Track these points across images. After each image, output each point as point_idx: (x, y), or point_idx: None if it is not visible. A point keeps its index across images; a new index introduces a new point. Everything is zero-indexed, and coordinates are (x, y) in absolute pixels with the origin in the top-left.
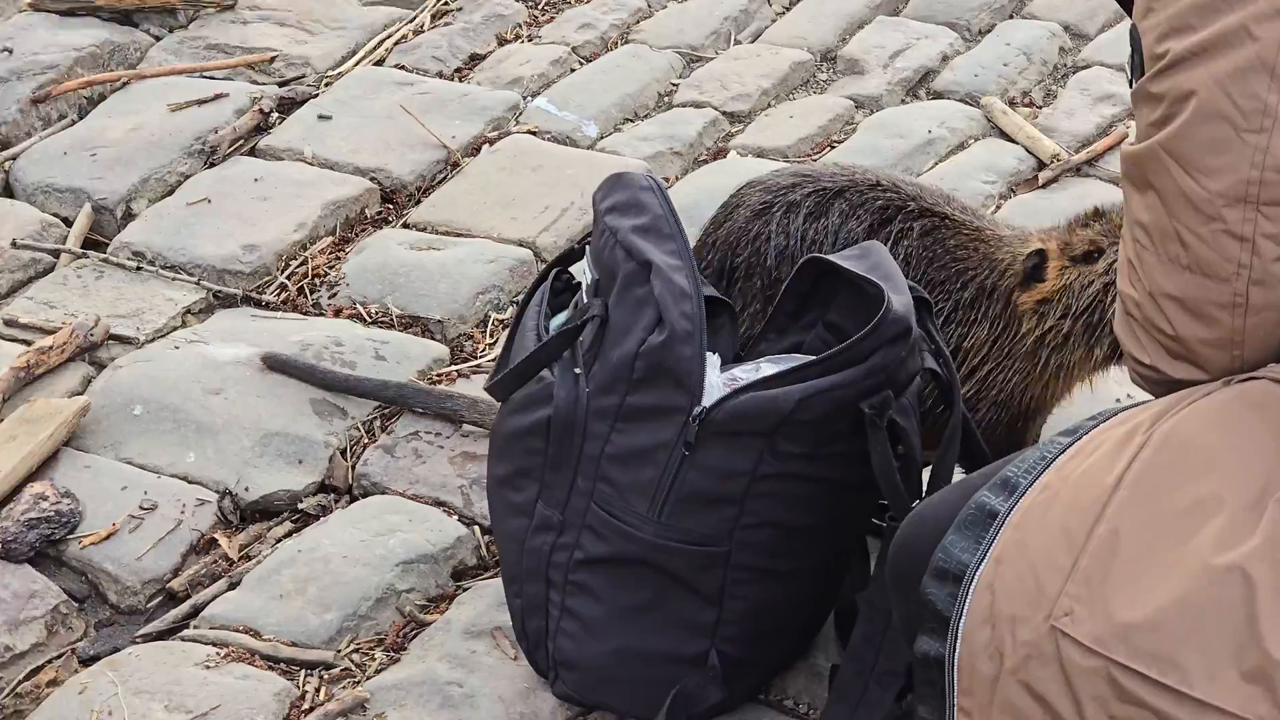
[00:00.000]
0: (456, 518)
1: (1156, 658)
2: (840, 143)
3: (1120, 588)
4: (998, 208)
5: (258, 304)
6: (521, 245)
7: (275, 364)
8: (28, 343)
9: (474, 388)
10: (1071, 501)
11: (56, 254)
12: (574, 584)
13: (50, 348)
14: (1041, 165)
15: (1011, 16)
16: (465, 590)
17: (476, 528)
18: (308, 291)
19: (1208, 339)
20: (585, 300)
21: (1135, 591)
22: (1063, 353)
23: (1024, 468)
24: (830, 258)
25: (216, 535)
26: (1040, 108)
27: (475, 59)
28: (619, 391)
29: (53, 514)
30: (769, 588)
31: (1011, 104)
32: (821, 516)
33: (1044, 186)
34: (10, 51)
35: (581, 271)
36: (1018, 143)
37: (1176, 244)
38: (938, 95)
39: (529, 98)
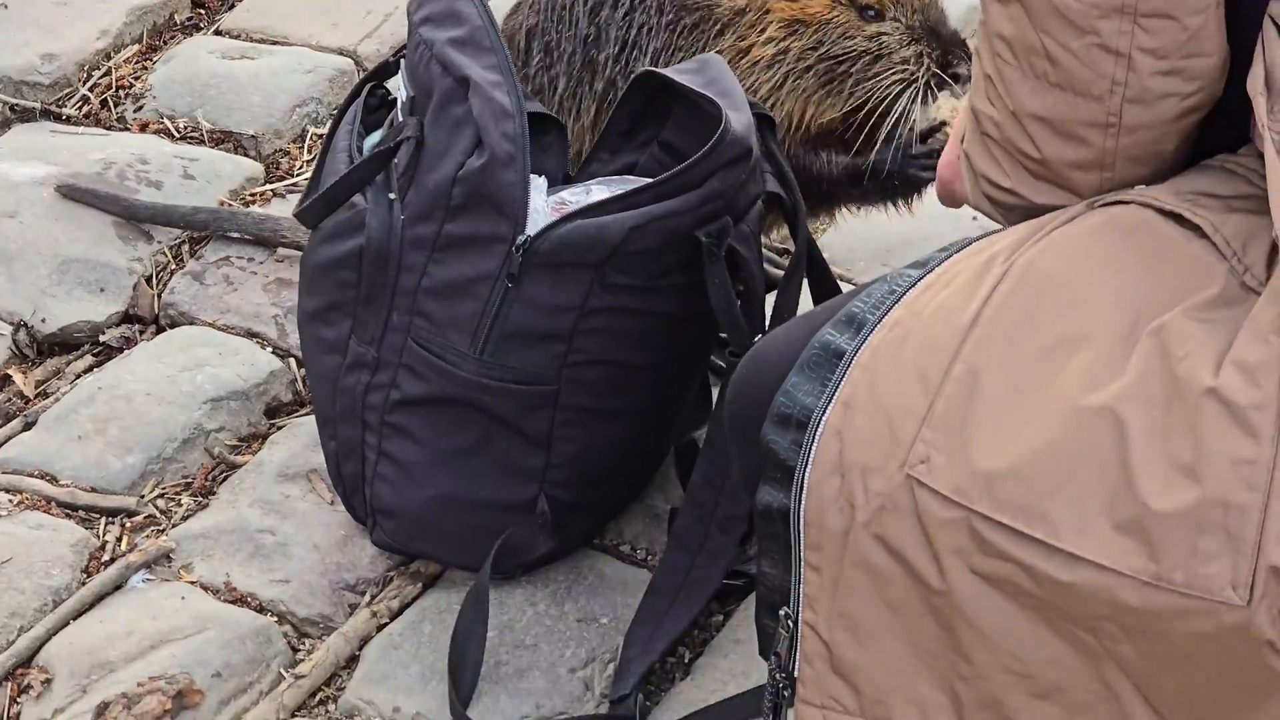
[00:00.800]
0: (271, 350)
1: (1022, 509)
2: None
3: (981, 433)
4: None
5: (57, 118)
6: (342, 54)
7: (73, 194)
8: None
9: (287, 209)
10: (925, 339)
11: None
12: (391, 425)
13: None
14: None
15: None
16: (280, 429)
17: (292, 360)
18: (111, 105)
19: (1077, 160)
20: (400, 119)
21: (997, 437)
22: (799, 81)
23: (871, 302)
24: (665, 72)
25: (10, 371)
26: None
27: None
28: (436, 219)
29: None
30: (601, 429)
31: None
32: (656, 353)
33: None
34: None
35: (397, 87)
36: None
37: (1044, 59)
38: None
39: None
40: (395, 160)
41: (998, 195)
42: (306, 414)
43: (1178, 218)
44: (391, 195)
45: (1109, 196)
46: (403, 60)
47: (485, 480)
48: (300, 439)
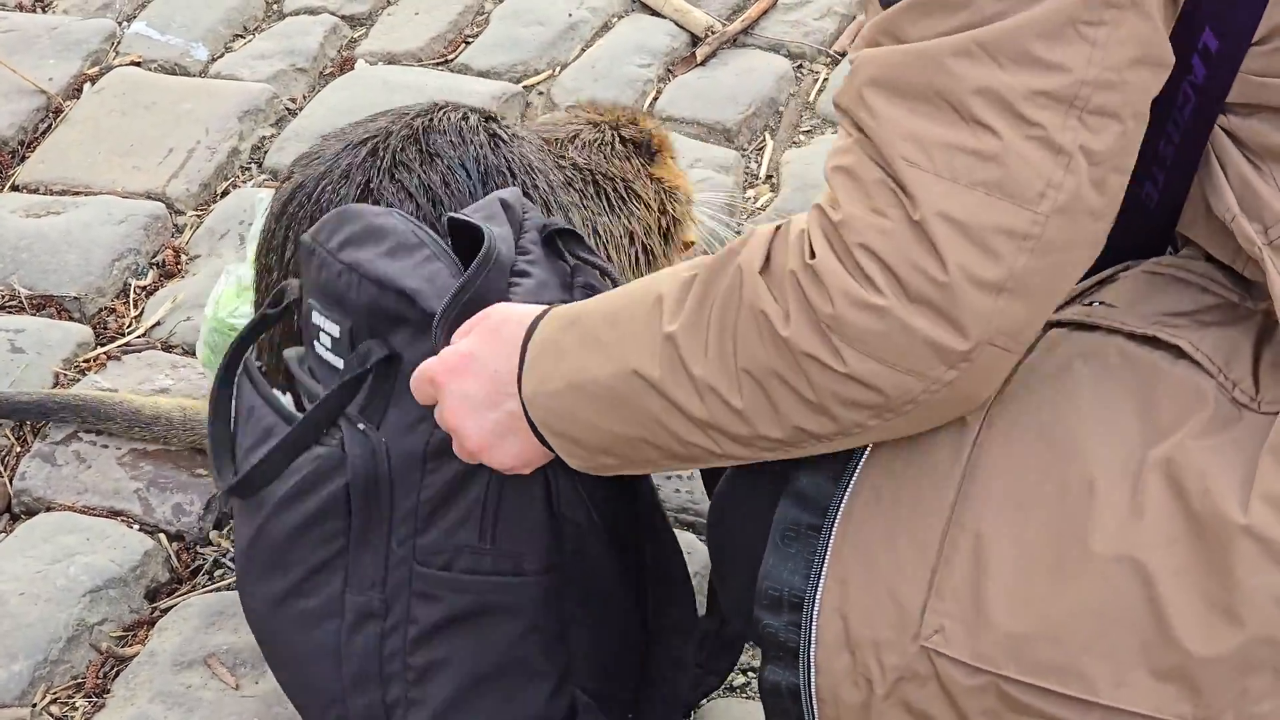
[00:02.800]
0: (138, 527)
1: (1053, 669)
2: (474, 38)
3: (995, 596)
4: (658, 93)
5: None
6: (151, 198)
7: None
8: None
9: (126, 371)
10: (911, 502)
11: None
12: (416, 669)
13: None
14: (696, 40)
15: None
16: (164, 612)
17: (162, 536)
18: None
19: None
20: (336, 353)
21: (1014, 599)
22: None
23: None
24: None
25: None
26: None
27: None
28: (423, 430)
29: None
30: (600, 610)
31: None
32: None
33: (703, 64)
34: None
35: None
36: (665, 17)
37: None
38: None
39: (124, 24)
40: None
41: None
42: (187, 592)
43: (1152, 340)
44: (361, 426)
45: (1068, 315)
46: (311, 302)
47: (523, 695)
48: (190, 621)
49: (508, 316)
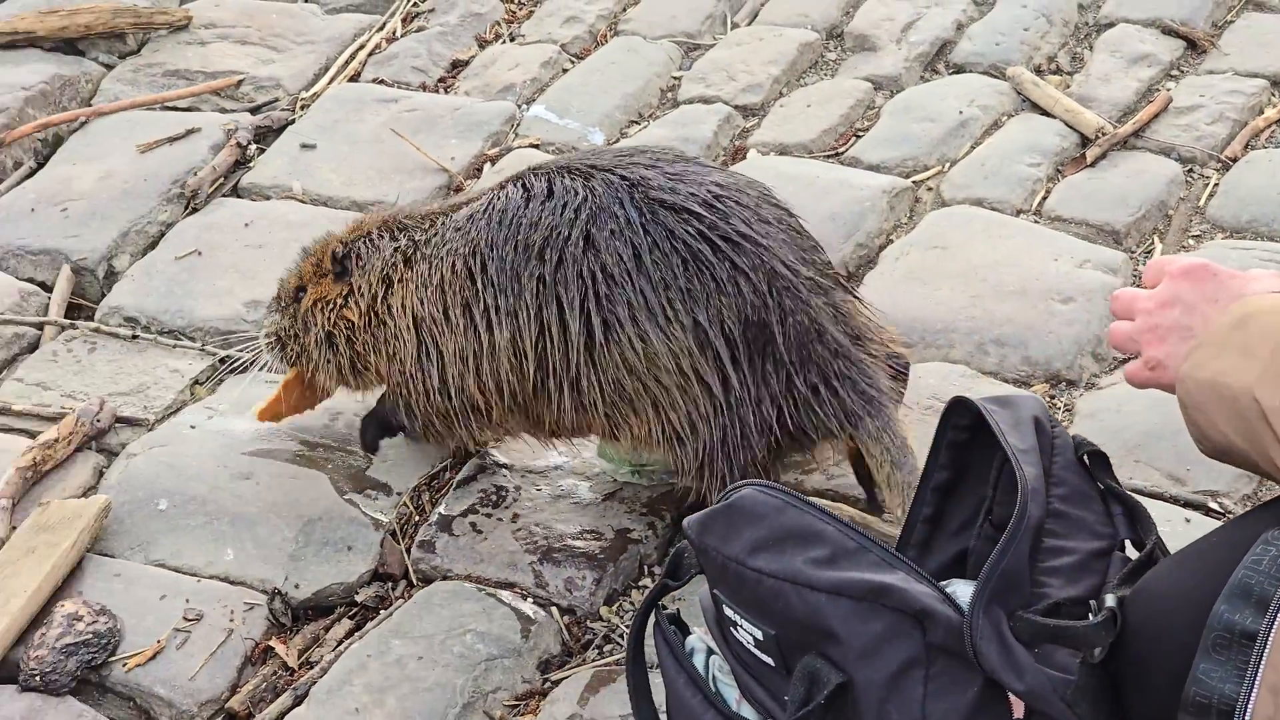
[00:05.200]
0: (531, 600)
1: None
2: (865, 131)
3: None
4: (1046, 193)
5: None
6: None
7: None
8: (27, 433)
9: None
10: None
11: (40, 326)
12: None
13: (56, 440)
14: (1086, 141)
15: None
16: (555, 684)
17: (554, 608)
18: None
19: None
20: (763, 652)
21: None
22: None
23: (1266, 570)
24: (984, 408)
25: (272, 642)
26: (1070, 74)
27: (458, 65)
28: None
29: (90, 636)
30: None
31: (1039, 72)
32: None
33: (1093, 165)
34: None
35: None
36: (1055, 116)
37: None
38: (958, 69)
39: (524, 106)
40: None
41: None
42: (578, 665)
43: None
44: None
45: None
46: (724, 603)
47: None
48: (580, 693)
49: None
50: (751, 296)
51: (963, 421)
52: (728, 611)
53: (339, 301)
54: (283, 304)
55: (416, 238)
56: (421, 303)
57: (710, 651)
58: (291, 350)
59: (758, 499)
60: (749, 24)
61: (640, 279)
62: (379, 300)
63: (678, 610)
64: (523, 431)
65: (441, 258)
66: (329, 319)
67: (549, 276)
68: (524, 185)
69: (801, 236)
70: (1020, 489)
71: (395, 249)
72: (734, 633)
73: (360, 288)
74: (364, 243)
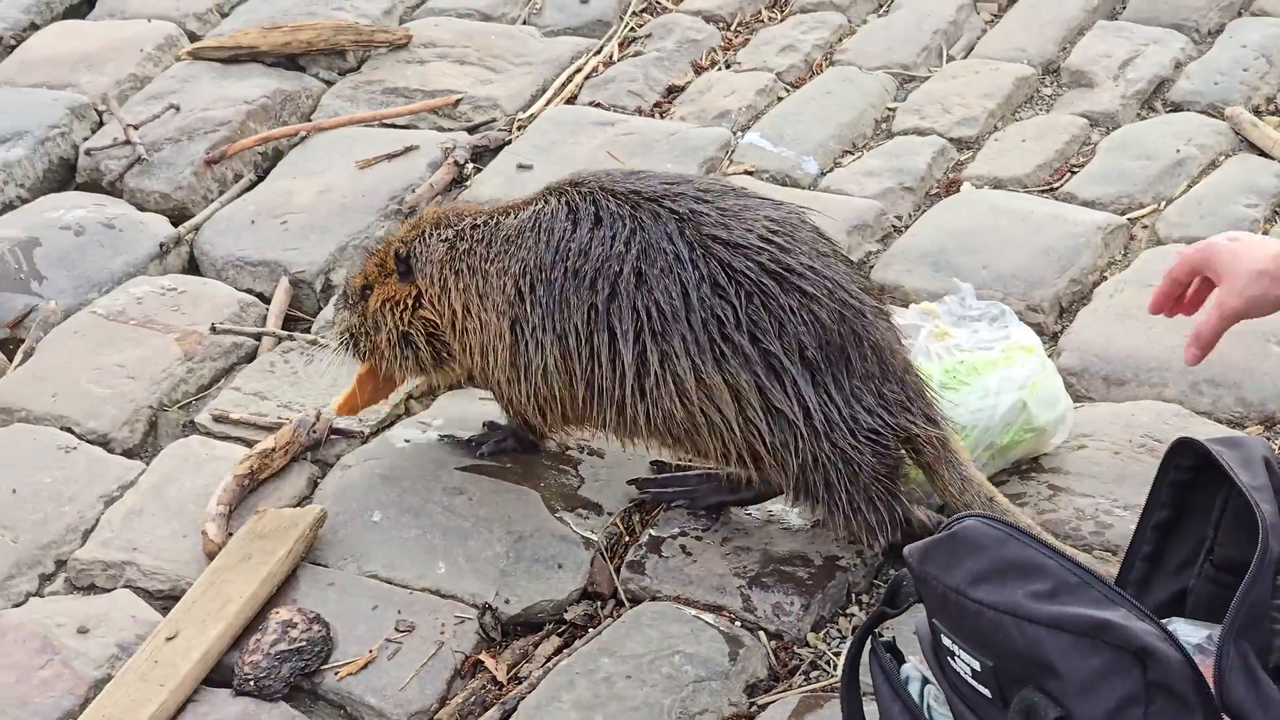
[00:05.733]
0: (739, 624)
1: None
2: (1080, 167)
3: None
4: (1264, 233)
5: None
6: None
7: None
8: (243, 442)
9: None
10: None
11: (258, 336)
12: None
13: (273, 450)
14: None
15: (1240, 14)
16: (762, 709)
17: (762, 633)
18: None
19: None
20: (981, 684)
21: None
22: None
23: None
24: (1211, 447)
25: (481, 656)
26: None
27: (674, 91)
28: None
29: (304, 643)
30: None
31: (1257, 112)
32: None
33: None
34: (177, 109)
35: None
36: (1274, 158)
37: None
38: (1176, 107)
39: (739, 133)
40: None
41: None
42: (785, 690)
43: None
44: None
45: None
46: (940, 625)
47: None
48: (780, 717)
49: None
50: (828, 322)
51: (1186, 462)
52: (946, 641)
53: (409, 302)
54: (350, 302)
55: (466, 240)
56: (478, 312)
57: (925, 681)
58: (364, 347)
59: (980, 530)
60: (964, 57)
61: (690, 316)
62: (446, 306)
63: (893, 638)
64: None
65: (491, 272)
66: (402, 318)
67: (601, 305)
68: (569, 205)
69: (855, 269)
70: (1260, 524)
71: (444, 257)
72: (951, 663)
73: (430, 290)
74: (420, 242)
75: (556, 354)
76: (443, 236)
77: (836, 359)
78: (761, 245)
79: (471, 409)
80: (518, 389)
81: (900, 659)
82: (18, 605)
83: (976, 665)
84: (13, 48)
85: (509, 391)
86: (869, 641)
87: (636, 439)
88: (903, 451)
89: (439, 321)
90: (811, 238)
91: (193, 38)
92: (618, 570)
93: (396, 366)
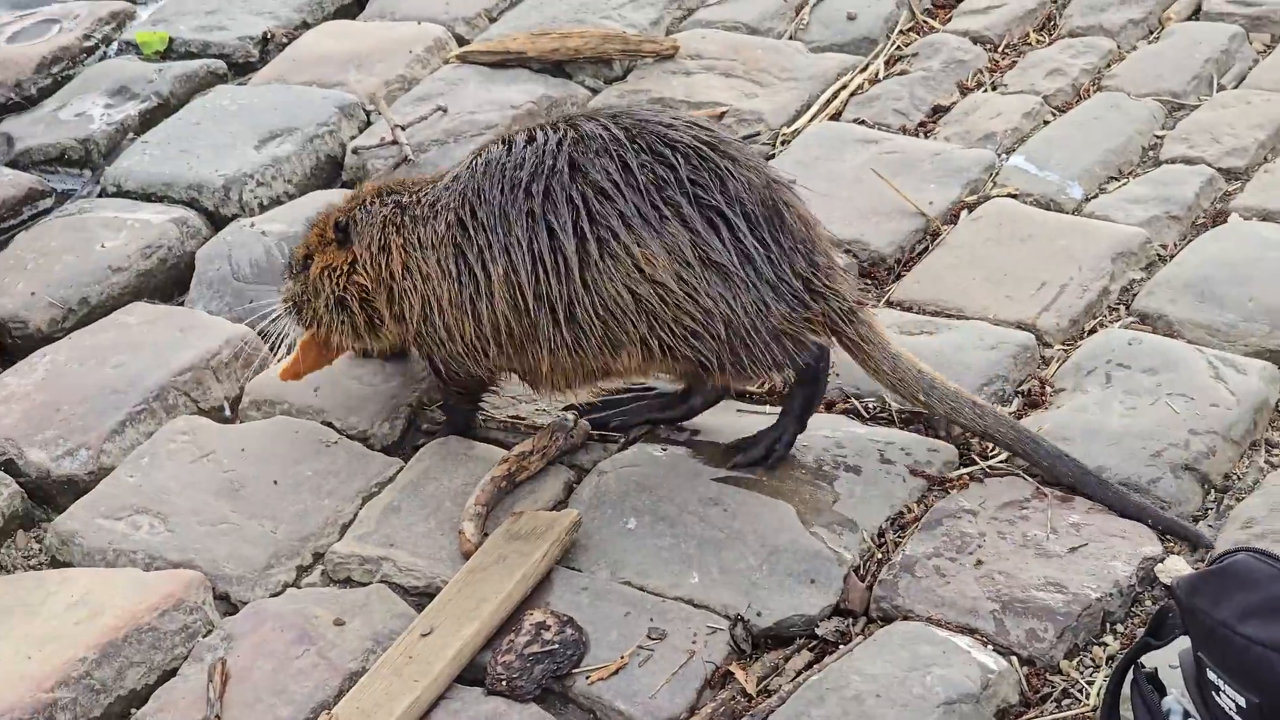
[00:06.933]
0: (991, 647)
1: None
2: None
3: None
4: None
5: (740, 396)
6: (1021, 328)
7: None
8: (501, 444)
9: (988, 493)
10: None
11: None
12: None
13: (530, 453)
14: None
15: None
16: None
17: (1014, 658)
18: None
19: None
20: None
21: None
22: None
23: None
24: None
25: (732, 667)
26: None
27: (939, 111)
28: None
29: (556, 646)
30: None
31: None
32: None
33: None
34: (445, 110)
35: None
36: None
37: None
38: None
39: (1004, 155)
40: None
41: None
42: (1035, 718)
43: None
44: None
45: None
46: (1205, 658)
47: None
48: None
49: None
50: (762, 186)
51: None
52: (1211, 675)
53: (346, 268)
54: (294, 271)
55: (405, 201)
56: (418, 262)
57: (1187, 714)
58: (306, 314)
59: (1252, 565)
60: (1235, 87)
61: (629, 189)
62: (383, 268)
63: (1155, 669)
64: (516, 374)
65: (433, 216)
66: (339, 284)
67: (538, 209)
68: (504, 140)
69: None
70: None
71: (385, 216)
72: (1215, 697)
73: (364, 255)
74: (360, 209)
75: (500, 271)
76: (385, 203)
77: (771, 216)
78: (689, 125)
79: (730, 420)
80: (464, 328)
81: (1162, 691)
82: (275, 595)
83: (1242, 701)
84: (284, 45)
85: (452, 339)
86: (1130, 672)
87: (573, 370)
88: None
89: (370, 287)
90: (728, 131)
91: (461, 41)
92: (870, 588)
93: (334, 331)
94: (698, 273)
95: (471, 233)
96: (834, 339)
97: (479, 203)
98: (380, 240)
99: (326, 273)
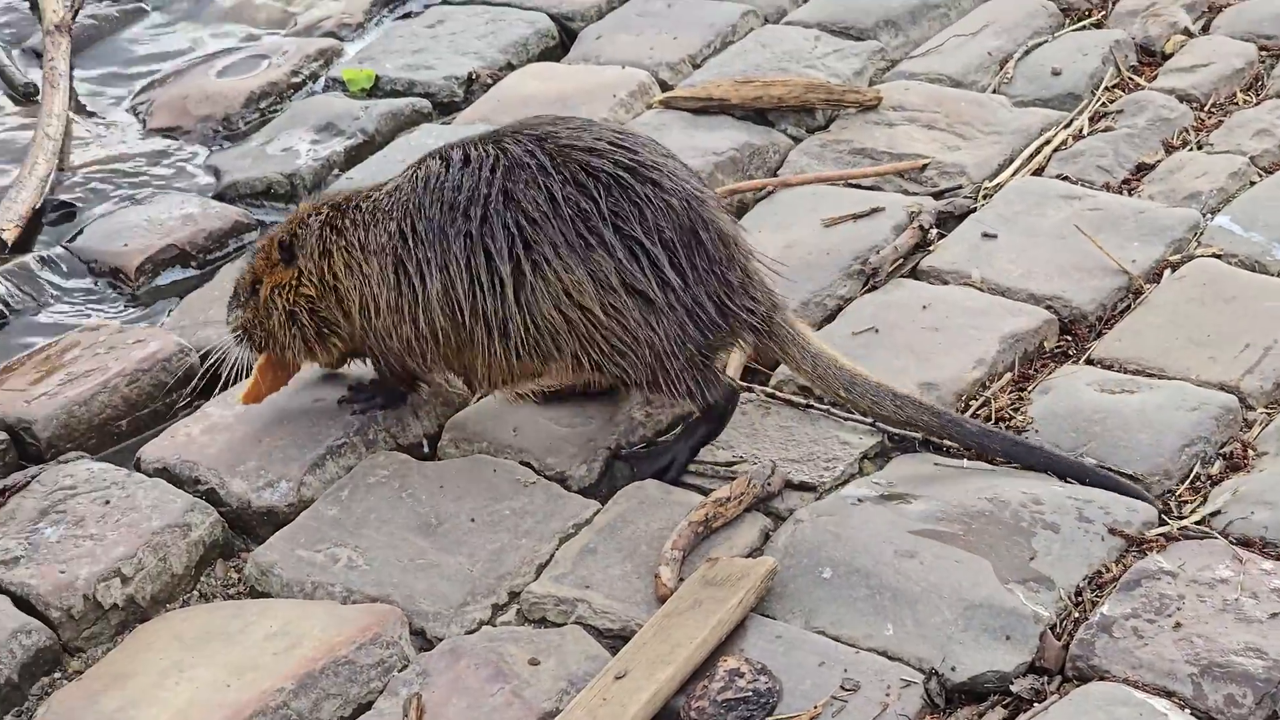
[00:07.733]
0: (1188, 711)
1: None
2: None
3: None
4: None
5: (939, 450)
6: (1224, 389)
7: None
8: (699, 490)
9: (1185, 554)
10: None
11: None
12: None
13: (728, 499)
14: None
15: None
16: None
17: None
18: None
19: None
20: None
21: None
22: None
23: None
24: None
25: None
26: None
27: (1143, 169)
28: None
29: (750, 694)
30: None
31: None
32: None
33: None
34: None
35: None
36: None
37: None
38: None
39: (1209, 215)
40: None
41: None
42: None
43: None
44: None
45: None
46: None
47: None
48: None
49: None
50: (681, 209)
51: None
52: None
53: (293, 282)
54: (242, 299)
55: (344, 208)
56: (359, 262)
57: None
58: (258, 337)
59: None
60: None
61: (557, 219)
62: (325, 271)
63: None
64: (451, 375)
65: (374, 223)
66: (289, 299)
67: (475, 231)
68: (442, 157)
69: (690, 170)
70: None
71: (323, 224)
72: None
73: (307, 266)
74: (300, 226)
75: (439, 286)
76: (322, 213)
77: (688, 242)
78: (612, 148)
79: (924, 470)
80: (401, 331)
81: None
82: (470, 632)
83: None
84: (489, 86)
85: (391, 338)
86: None
87: (507, 372)
88: (732, 329)
89: (315, 295)
90: (651, 142)
91: (664, 86)
92: (1066, 647)
93: (287, 347)
94: (623, 299)
95: (411, 246)
96: (757, 341)
97: (419, 217)
98: (320, 246)
99: (276, 291)
